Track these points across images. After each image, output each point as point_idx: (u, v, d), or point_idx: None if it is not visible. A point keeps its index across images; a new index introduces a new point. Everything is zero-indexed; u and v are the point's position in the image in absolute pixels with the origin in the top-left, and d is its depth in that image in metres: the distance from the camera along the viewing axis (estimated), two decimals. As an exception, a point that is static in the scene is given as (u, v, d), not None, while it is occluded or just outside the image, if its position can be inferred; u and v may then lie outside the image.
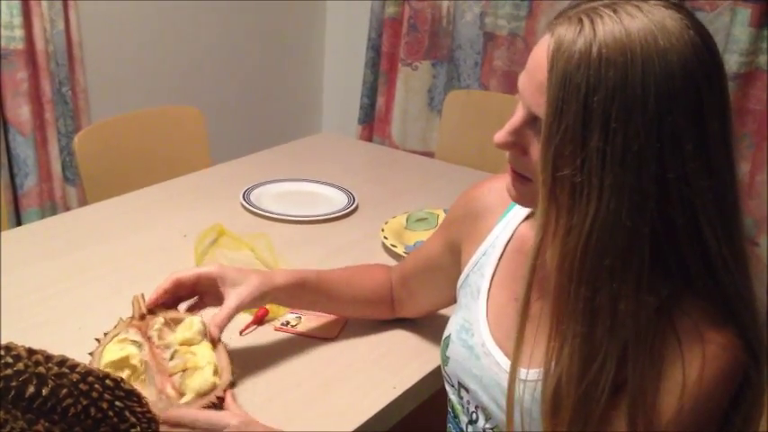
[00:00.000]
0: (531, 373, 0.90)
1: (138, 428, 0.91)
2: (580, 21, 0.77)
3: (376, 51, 3.14)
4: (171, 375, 1.06)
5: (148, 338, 1.11)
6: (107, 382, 0.90)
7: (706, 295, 0.81)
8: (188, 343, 1.10)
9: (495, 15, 2.88)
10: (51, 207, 2.46)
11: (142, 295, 1.17)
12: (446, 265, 1.20)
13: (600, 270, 0.78)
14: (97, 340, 1.12)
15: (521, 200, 0.93)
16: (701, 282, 0.80)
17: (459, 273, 1.15)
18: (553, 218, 0.80)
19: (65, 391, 0.86)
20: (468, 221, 1.15)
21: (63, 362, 0.88)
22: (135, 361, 1.06)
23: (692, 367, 0.80)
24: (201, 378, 1.05)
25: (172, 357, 1.08)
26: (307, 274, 1.26)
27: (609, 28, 0.75)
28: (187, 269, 1.19)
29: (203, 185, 2.03)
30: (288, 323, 1.36)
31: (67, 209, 2.45)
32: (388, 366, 1.27)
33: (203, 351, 1.10)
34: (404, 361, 1.29)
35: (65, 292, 1.46)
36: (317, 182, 2.01)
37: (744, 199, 2.55)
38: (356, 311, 1.35)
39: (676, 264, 0.80)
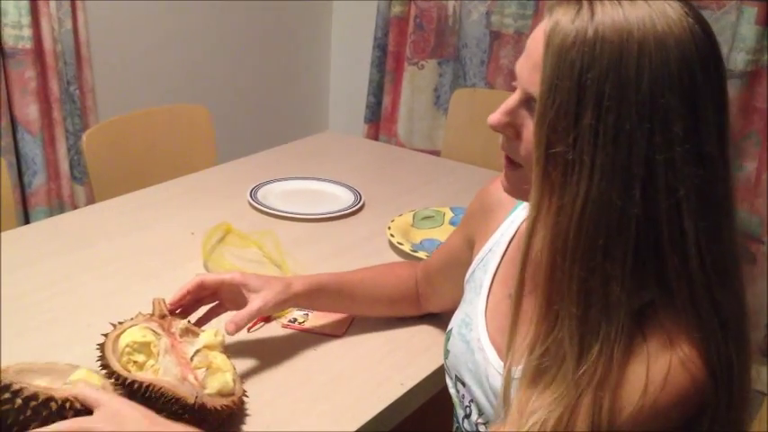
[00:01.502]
0: (519, 371, 0.90)
1: None
2: (578, 3, 0.78)
3: (382, 50, 3.14)
4: (194, 369, 1.08)
5: (171, 333, 1.13)
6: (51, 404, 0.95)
7: (681, 305, 0.79)
8: (210, 348, 1.12)
9: (502, 14, 2.88)
10: (59, 205, 2.47)
11: (163, 300, 1.18)
12: (465, 260, 1.20)
13: (592, 249, 0.78)
14: (113, 325, 1.13)
15: (512, 188, 0.93)
16: (677, 286, 0.79)
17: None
18: (546, 197, 0.80)
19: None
20: (481, 216, 1.16)
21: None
22: (154, 348, 1.09)
23: (657, 370, 0.78)
24: (224, 379, 1.08)
25: (195, 354, 1.10)
26: (325, 278, 1.30)
27: (608, 11, 0.76)
28: (211, 274, 1.24)
29: (210, 184, 2.03)
30: (295, 320, 1.36)
31: (75, 207, 2.46)
32: (395, 363, 1.28)
33: (224, 360, 1.12)
34: (411, 358, 1.29)
35: (73, 289, 1.46)
36: (324, 180, 2.01)
37: (751, 197, 2.53)
38: (380, 310, 1.37)
39: (655, 264, 0.78)
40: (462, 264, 1.21)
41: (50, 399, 0.94)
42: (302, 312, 1.38)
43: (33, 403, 0.94)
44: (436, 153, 2.83)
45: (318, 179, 2.02)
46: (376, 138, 3.24)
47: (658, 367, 0.78)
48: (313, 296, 1.27)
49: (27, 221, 2.35)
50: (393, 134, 3.22)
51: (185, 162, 2.25)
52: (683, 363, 0.78)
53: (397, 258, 1.63)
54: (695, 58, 0.76)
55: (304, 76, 3.51)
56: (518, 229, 1.07)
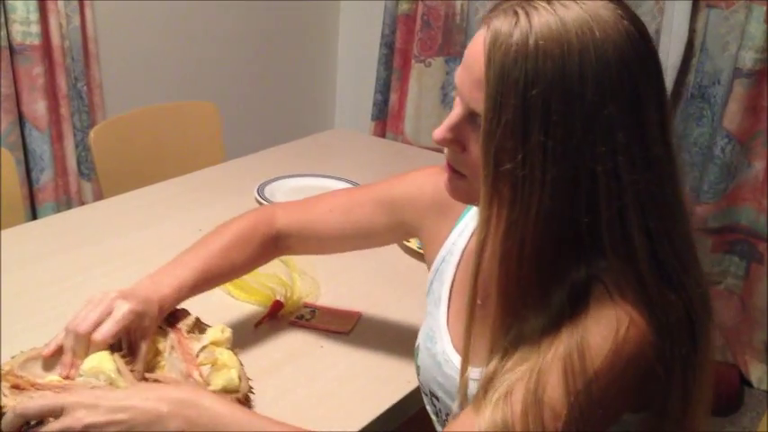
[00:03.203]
0: (477, 372, 0.89)
1: None
2: (515, 13, 0.76)
3: (389, 48, 3.14)
4: (199, 365, 1.08)
5: (178, 329, 1.13)
6: None
7: (627, 285, 0.79)
8: (216, 345, 1.12)
9: (509, 12, 2.88)
10: (67, 201, 2.47)
11: None
12: (378, 238, 1.22)
13: (543, 259, 0.78)
14: None
15: (458, 196, 0.92)
16: (625, 283, 0.78)
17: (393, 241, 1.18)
18: (495, 213, 0.79)
19: None
20: (432, 213, 1.14)
21: None
22: (160, 345, 1.10)
23: (608, 325, 0.77)
24: (229, 376, 1.08)
25: (201, 350, 1.10)
26: (191, 281, 1.15)
27: (544, 19, 0.75)
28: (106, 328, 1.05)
29: (218, 180, 2.04)
30: (302, 317, 1.37)
31: (82, 203, 2.47)
32: (401, 360, 1.27)
33: (230, 356, 1.12)
34: (417, 355, 1.29)
35: (81, 284, 1.47)
36: (331, 177, 2.01)
37: (759, 197, 2.52)
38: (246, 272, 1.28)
39: (599, 252, 0.79)
40: (372, 238, 1.22)
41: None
42: (309, 309, 1.38)
43: None
44: (442, 151, 2.83)
45: (325, 176, 2.02)
46: (383, 135, 3.24)
47: (610, 323, 0.77)
48: (182, 299, 1.17)
49: (34, 217, 2.36)
50: (400, 132, 3.22)
51: (193, 159, 2.25)
52: (630, 316, 0.77)
53: (402, 255, 1.63)
54: (634, 61, 0.76)
55: (311, 73, 3.51)
56: (471, 237, 1.07)
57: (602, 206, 0.76)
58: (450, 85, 3.11)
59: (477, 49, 0.79)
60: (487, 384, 0.81)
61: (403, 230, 1.20)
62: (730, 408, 2.57)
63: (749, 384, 2.70)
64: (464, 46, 3.02)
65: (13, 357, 1.06)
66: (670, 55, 2.54)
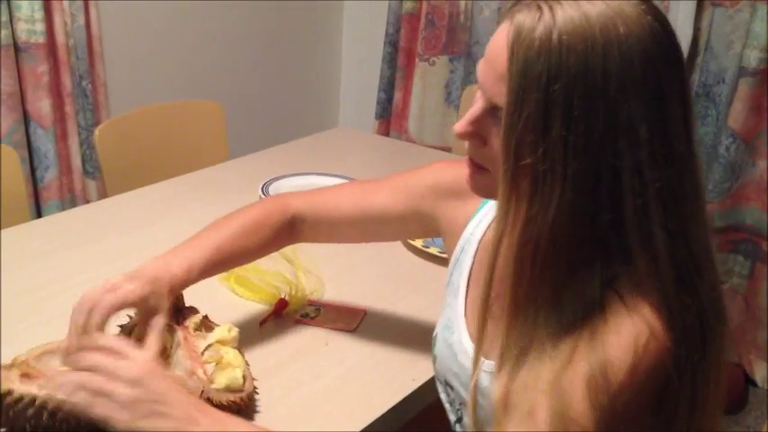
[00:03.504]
0: (490, 365, 0.89)
1: None
2: (539, 8, 0.76)
3: (393, 46, 3.14)
4: (203, 363, 1.08)
5: (185, 327, 1.13)
6: None
7: (655, 299, 0.78)
8: (222, 343, 1.12)
9: (513, 10, 2.88)
10: (71, 200, 2.48)
11: (181, 293, 1.18)
12: (393, 227, 1.21)
13: (561, 256, 0.78)
14: (129, 316, 1.14)
15: (479, 191, 0.92)
16: (647, 283, 0.78)
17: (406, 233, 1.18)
18: (513, 208, 0.79)
19: None
20: (450, 203, 1.14)
21: None
22: (167, 342, 1.10)
23: (628, 335, 0.77)
24: (233, 375, 1.08)
25: (206, 348, 1.10)
26: (203, 264, 1.15)
27: (568, 14, 0.75)
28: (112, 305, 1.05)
29: (222, 179, 2.04)
30: (307, 315, 1.37)
31: (87, 202, 2.47)
32: (407, 358, 1.27)
33: (236, 355, 1.12)
34: (423, 353, 1.29)
35: (86, 282, 1.46)
36: (335, 175, 2.01)
37: (763, 196, 2.51)
38: (256, 259, 1.28)
39: (626, 263, 0.78)
40: (385, 227, 1.21)
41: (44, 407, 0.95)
42: (314, 307, 1.38)
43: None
44: (447, 149, 2.83)
45: (329, 174, 2.02)
46: (387, 134, 3.24)
47: (630, 335, 0.77)
48: (192, 281, 1.16)
49: (39, 215, 2.36)
50: (404, 130, 3.22)
51: (197, 157, 2.25)
52: (650, 326, 0.77)
53: (407, 253, 1.63)
54: (658, 58, 0.76)
55: (315, 71, 3.51)
56: (488, 227, 1.07)
57: (626, 202, 0.76)
58: (454, 83, 3.11)
59: (499, 44, 0.79)
60: (506, 401, 0.80)
61: (420, 219, 1.19)
62: (735, 407, 2.57)
63: (753, 384, 2.70)
64: (468, 45, 3.03)
65: (30, 350, 1.07)
66: (675, 54, 2.54)
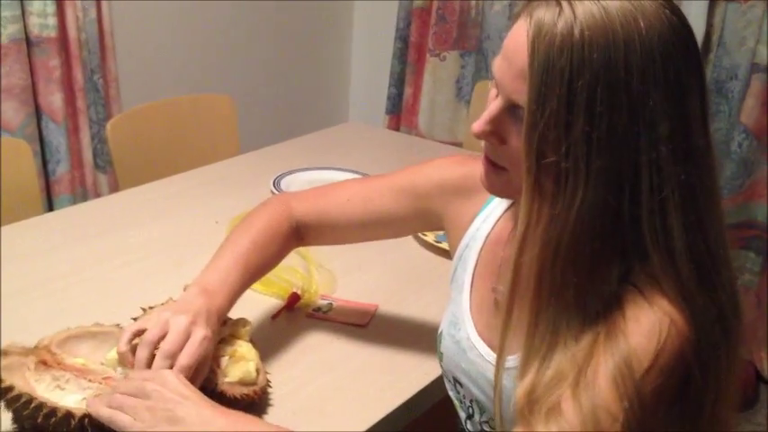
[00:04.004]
0: (512, 360, 0.88)
1: None
2: (558, 3, 0.75)
3: (404, 42, 3.13)
4: (217, 357, 1.08)
5: None
6: None
7: (672, 294, 0.78)
8: (236, 337, 1.13)
9: (525, 6, 2.87)
10: (83, 193, 2.48)
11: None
12: (399, 226, 1.20)
13: (583, 254, 0.77)
14: (143, 309, 1.14)
15: (495, 190, 0.92)
16: (664, 278, 0.78)
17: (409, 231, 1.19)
18: (536, 207, 0.78)
19: None
20: (456, 199, 1.13)
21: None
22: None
23: (649, 326, 0.77)
24: (246, 368, 1.08)
25: (220, 342, 1.10)
26: (238, 287, 1.14)
27: (588, 9, 0.74)
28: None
29: (234, 173, 2.04)
30: (319, 309, 1.37)
31: (98, 196, 2.48)
32: (419, 353, 1.27)
33: (249, 349, 1.12)
34: (434, 348, 1.29)
35: (97, 276, 1.47)
36: (346, 170, 2.01)
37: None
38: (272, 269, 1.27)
39: (638, 247, 0.78)
40: (391, 227, 1.21)
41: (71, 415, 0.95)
42: (326, 302, 1.38)
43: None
44: (458, 145, 2.82)
45: (341, 169, 2.02)
46: (397, 129, 3.24)
47: (652, 324, 0.77)
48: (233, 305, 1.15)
49: (50, 209, 2.37)
50: (414, 126, 3.22)
51: (209, 151, 2.25)
52: (670, 316, 0.77)
53: (420, 250, 1.63)
54: (678, 51, 0.75)
55: (326, 66, 3.51)
56: (496, 222, 1.06)
57: (643, 198, 0.76)
58: (464, 79, 3.11)
59: (518, 40, 0.78)
60: (530, 398, 0.80)
61: (425, 218, 1.18)
62: (746, 404, 2.56)
63: (765, 381, 2.69)
64: (479, 40, 3.02)
65: (56, 333, 1.08)
66: (687, 49, 2.53)
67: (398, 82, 3.20)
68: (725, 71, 2.57)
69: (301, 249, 1.54)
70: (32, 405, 0.94)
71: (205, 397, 0.94)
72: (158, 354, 1.00)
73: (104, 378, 1.02)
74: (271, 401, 1.13)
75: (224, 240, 1.20)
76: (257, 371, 1.10)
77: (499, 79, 0.82)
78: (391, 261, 1.59)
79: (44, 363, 1.02)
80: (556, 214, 0.77)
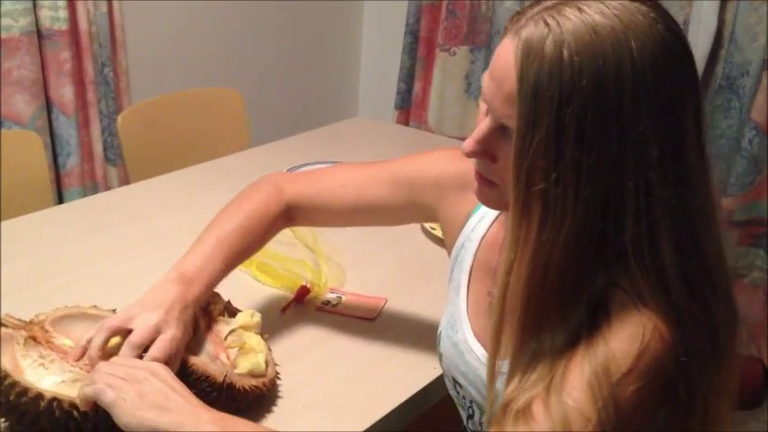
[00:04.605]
0: (506, 365, 0.87)
1: None
2: (546, 24, 0.73)
3: (414, 36, 3.13)
4: (226, 348, 1.09)
5: (208, 312, 1.13)
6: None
7: (653, 303, 0.77)
8: (245, 329, 1.13)
9: (535, 1, 2.86)
10: (93, 187, 2.49)
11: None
12: (392, 216, 1.20)
13: (570, 277, 0.77)
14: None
15: (489, 204, 0.91)
16: (652, 299, 0.77)
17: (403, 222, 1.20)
18: (524, 232, 0.77)
19: None
20: (452, 196, 1.12)
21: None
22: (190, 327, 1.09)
23: (632, 330, 0.76)
24: (255, 360, 1.08)
25: (229, 334, 1.11)
26: (218, 273, 1.13)
27: (578, 29, 0.71)
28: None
29: (243, 167, 2.04)
30: (328, 303, 1.37)
31: (108, 188, 2.48)
32: (427, 347, 1.27)
33: (259, 341, 1.12)
34: (443, 342, 1.29)
35: (106, 269, 1.48)
36: (356, 165, 2.01)
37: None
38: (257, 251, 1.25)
39: (626, 270, 0.77)
40: (383, 216, 1.20)
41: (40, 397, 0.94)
42: (335, 295, 1.39)
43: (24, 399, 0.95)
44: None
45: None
46: (406, 124, 3.23)
47: (636, 327, 0.76)
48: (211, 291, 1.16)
49: (60, 202, 2.37)
50: (423, 121, 3.21)
51: (218, 145, 2.26)
52: (655, 324, 0.76)
53: (429, 243, 1.63)
54: (670, 71, 0.73)
55: (335, 61, 3.51)
56: (491, 224, 1.06)
57: (627, 222, 0.74)
58: (474, 74, 3.10)
59: (506, 61, 0.76)
60: (507, 404, 0.79)
61: (418, 210, 1.18)
62: (754, 402, 2.55)
63: (773, 379, 2.68)
64: (489, 35, 3.01)
65: (54, 309, 1.08)
66: (698, 46, 2.51)
67: (408, 77, 3.20)
68: (736, 67, 2.56)
69: (310, 242, 1.54)
70: (6, 381, 0.94)
71: (191, 393, 0.93)
72: (126, 342, 1.00)
73: (86, 365, 1.01)
74: (280, 393, 1.14)
75: (211, 221, 1.19)
76: (266, 363, 1.10)
77: (488, 101, 0.80)
78: (400, 255, 1.59)
79: (34, 339, 1.02)
80: (543, 241, 0.75)
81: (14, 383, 0.94)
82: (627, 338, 0.76)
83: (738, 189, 2.56)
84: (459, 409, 1.12)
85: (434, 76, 3.13)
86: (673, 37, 0.74)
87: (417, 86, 3.19)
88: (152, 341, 1.00)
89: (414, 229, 1.68)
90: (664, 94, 0.73)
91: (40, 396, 0.93)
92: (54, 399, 0.93)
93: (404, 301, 1.40)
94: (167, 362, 1.00)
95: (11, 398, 0.93)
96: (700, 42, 2.52)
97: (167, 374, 0.93)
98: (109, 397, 0.88)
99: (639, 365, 0.75)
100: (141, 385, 0.90)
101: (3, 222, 1.60)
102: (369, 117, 3.21)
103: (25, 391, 0.93)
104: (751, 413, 2.51)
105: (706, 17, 2.51)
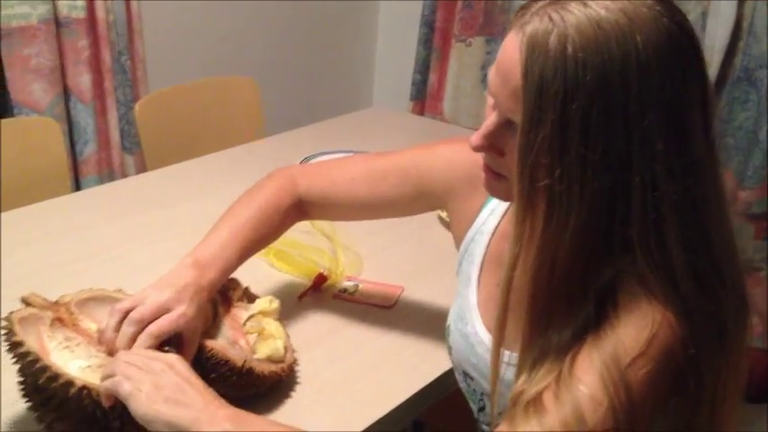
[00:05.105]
0: (514, 357, 0.87)
1: None
2: (550, 19, 0.72)
3: (429, 27, 3.12)
4: (246, 334, 1.09)
5: (228, 298, 1.14)
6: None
7: (661, 297, 0.77)
8: (264, 315, 1.13)
9: (552, -8, 2.84)
10: (109, 174, 2.50)
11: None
12: (402, 208, 1.20)
13: (576, 272, 0.77)
14: None
15: (498, 195, 0.92)
16: (661, 294, 0.76)
17: (412, 213, 1.19)
18: (528, 229, 0.77)
19: None
20: (462, 188, 1.11)
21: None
22: (209, 312, 1.10)
23: (641, 322, 0.76)
24: (275, 346, 1.09)
25: (248, 319, 1.11)
26: (234, 262, 1.14)
27: (582, 25, 0.71)
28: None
29: (259, 155, 2.05)
30: (345, 290, 1.37)
31: (125, 176, 2.49)
32: (443, 336, 1.27)
33: (277, 327, 1.13)
34: (460, 331, 1.29)
35: (124, 256, 1.49)
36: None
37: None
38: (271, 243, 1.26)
39: (633, 264, 0.77)
40: (394, 209, 1.20)
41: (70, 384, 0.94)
42: (352, 283, 1.39)
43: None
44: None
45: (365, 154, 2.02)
46: (421, 115, 3.23)
47: (644, 315, 0.76)
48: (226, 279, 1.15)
49: (77, 189, 2.39)
50: (439, 112, 3.21)
51: (234, 133, 2.26)
52: (664, 315, 0.76)
53: (446, 233, 1.63)
54: (677, 65, 0.73)
55: (351, 51, 3.50)
56: (502, 216, 1.06)
57: (633, 217, 0.74)
58: (490, 65, 3.07)
59: (511, 56, 0.76)
60: (517, 397, 0.80)
61: (428, 203, 1.18)
62: (764, 395, 2.54)
63: (787, 373, 2.66)
64: (505, 26, 2.99)
65: (79, 291, 1.08)
66: (717, 38, 2.50)
67: (423, 68, 3.19)
68: (755, 59, 2.54)
69: (328, 231, 1.55)
70: (37, 366, 0.93)
71: (208, 387, 0.92)
72: (126, 320, 0.99)
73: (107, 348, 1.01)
74: (298, 379, 1.14)
75: (225, 211, 1.20)
76: (285, 349, 1.10)
77: (494, 94, 0.80)
78: (417, 244, 1.59)
79: (60, 320, 1.02)
80: (548, 237, 0.75)
81: (46, 368, 0.93)
82: (636, 326, 0.76)
83: (755, 182, 2.55)
84: (470, 402, 1.12)
85: (450, 66, 3.12)
86: (679, 30, 0.73)
87: (433, 77, 3.18)
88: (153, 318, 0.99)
89: (431, 219, 1.68)
90: (669, 87, 0.72)
91: (70, 383, 0.93)
92: (84, 387, 0.93)
93: (421, 290, 1.41)
94: (183, 344, 1.00)
95: (40, 381, 0.93)
96: (718, 35, 2.50)
97: (184, 367, 0.92)
98: (125, 389, 0.88)
99: (649, 350, 0.75)
100: (158, 377, 0.89)
101: (22, 208, 1.62)
102: (384, 108, 3.21)
103: (56, 376, 0.93)
104: (762, 407, 2.50)
105: (724, 10, 2.50)
